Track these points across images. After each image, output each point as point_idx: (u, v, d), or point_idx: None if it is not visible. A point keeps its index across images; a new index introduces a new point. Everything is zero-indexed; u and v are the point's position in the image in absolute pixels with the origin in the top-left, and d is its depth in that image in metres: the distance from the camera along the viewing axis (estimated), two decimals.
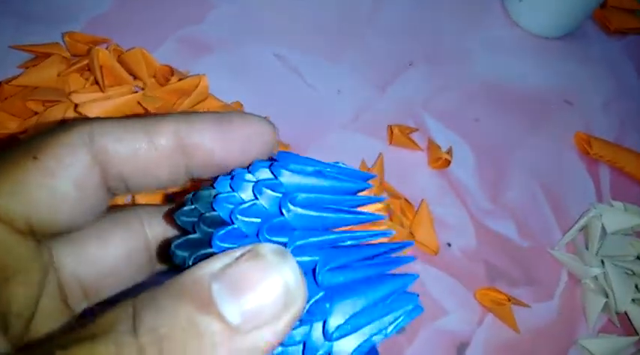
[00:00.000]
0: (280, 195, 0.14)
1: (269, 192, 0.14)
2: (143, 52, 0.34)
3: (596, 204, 0.37)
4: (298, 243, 0.14)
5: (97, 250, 0.17)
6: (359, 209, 0.16)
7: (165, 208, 0.19)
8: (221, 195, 0.15)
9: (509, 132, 0.40)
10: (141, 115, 0.16)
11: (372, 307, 0.14)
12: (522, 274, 0.34)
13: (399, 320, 0.15)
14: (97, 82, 0.32)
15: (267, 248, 0.12)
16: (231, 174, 0.16)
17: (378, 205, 0.17)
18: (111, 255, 0.17)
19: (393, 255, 0.16)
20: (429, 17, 0.44)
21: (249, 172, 0.15)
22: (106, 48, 0.34)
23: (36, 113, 0.32)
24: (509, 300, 0.32)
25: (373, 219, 0.16)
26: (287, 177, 0.15)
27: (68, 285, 0.16)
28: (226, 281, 0.12)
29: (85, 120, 0.15)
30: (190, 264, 0.14)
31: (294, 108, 0.38)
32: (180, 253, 0.15)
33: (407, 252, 0.16)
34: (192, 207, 0.15)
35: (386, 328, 0.15)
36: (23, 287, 0.14)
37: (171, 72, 0.34)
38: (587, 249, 0.35)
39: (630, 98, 0.44)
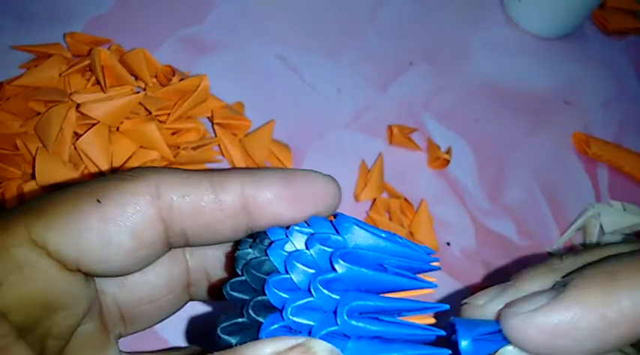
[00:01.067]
0: (331, 250, 0.14)
1: (322, 246, 0.14)
2: (144, 53, 0.34)
3: (594, 204, 0.37)
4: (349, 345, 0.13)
5: (139, 279, 0.17)
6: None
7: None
8: (273, 279, 0.14)
9: (508, 132, 0.40)
10: (208, 170, 0.16)
11: None
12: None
13: None
14: (98, 83, 0.32)
15: (320, 346, 0.12)
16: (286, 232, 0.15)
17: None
18: (151, 282, 0.17)
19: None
20: (429, 17, 0.45)
21: (307, 225, 0.15)
22: (108, 48, 0.35)
23: (38, 113, 0.32)
24: None
25: (428, 288, 0.15)
26: (350, 233, 0.14)
27: (107, 310, 0.16)
28: None
29: (154, 169, 0.15)
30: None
31: (294, 107, 0.38)
32: (226, 338, 0.14)
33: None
34: (243, 278, 0.15)
35: None
36: (66, 320, 0.14)
37: (173, 72, 0.34)
38: (585, 248, 0.36)
39: (629, 98, 0.44)
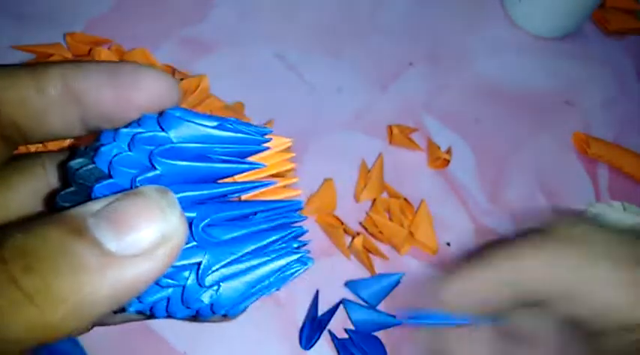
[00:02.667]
0: (152, 148, 0.14)
1: (143, 146, 0.14)
2: (144, 53, 0.34)
3: (594, 204, 0.37)
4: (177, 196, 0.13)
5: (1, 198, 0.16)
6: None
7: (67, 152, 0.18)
8: (103, 148, 0.14)
9: (508, 132, 0.40)
10: (29, 64, 0.16)
11: (253, 256, 0.14)
12: None
13: (286, 273, 0.15)
14: None
15: (147, 187, 0.12)
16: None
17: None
18: (13, 201, 0.17)
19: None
20: (429, 17, 0.45)
21: (138, 124, 0.15)
22: (108, 48, 0.35)
23: None
24: None
25: (255, 168, 0.16)
26: (174, 132, 0.14)
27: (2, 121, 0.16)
28: (104, 217, 0.12)
29: None
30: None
31: (294, 107, 0.38)
32: (64, 204, 0.14)
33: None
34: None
35: (269, 281, 0.15)
36: None
37: (173, 72, 0.34)
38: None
39: (629, 98, 0.44)
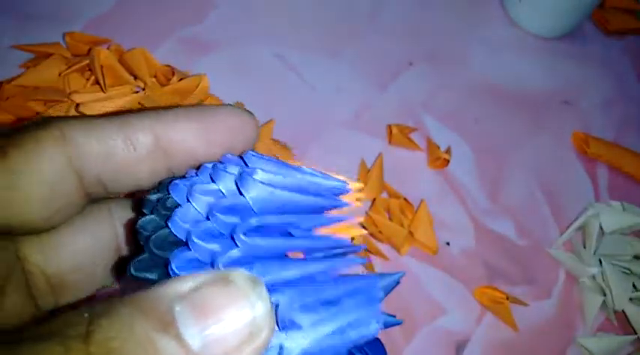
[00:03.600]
0: (236, 221, 0.13)
1: (222, 217, 0.13)
2: (144, 52, 0.34)
3: (593, 204, 0.37)
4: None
5: (63, 244, 0.16)
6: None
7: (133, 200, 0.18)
8: (178, 212, 0.14)
9: (508, 132, 0.40)
10: (117, 113, 0.15)
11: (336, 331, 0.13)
12: (521, 273, 0.35)
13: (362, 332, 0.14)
14: (97, 82, 0.32)
15: (238, 274, 0.12)
16: (197, 171, 0.15)
17: (355, 230, 0.16)
18: (77, 247, 0.16)
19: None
20: (428, 17, 0.45)
21: (213, 180, 0.14)
22: (107, 48, 0.35)
23: (37, 113, 0.32)
24: (508, 299, 0.32)
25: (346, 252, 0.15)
26: (256, 164, 0.14)
27: (35, 280, 0.16)
28: (191, 304, 0.11)
29: (59, 118, 0.14)
30: (151, 243, 0.14)
31: (294, 107, 0.38)
32: (144, 233, 0.14)
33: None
34: (150, 218, 0.14)
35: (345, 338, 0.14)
36: None
37: (172, 72, 0.34)
38: (584, 248, 0.36)
39: (628, 98, 0.44)
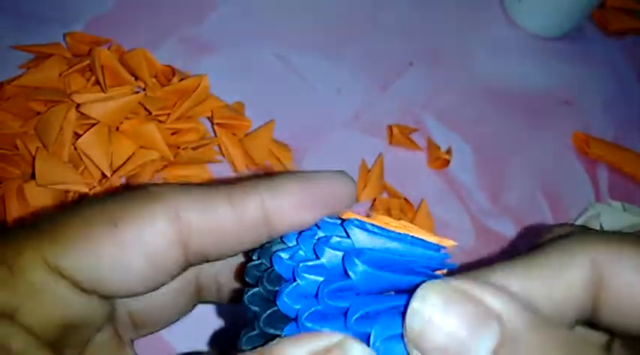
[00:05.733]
0: (342, 253, 0.14)
1: (331, 251, 0.14)
2: (144, 53, 0.34)
3: (594, 204, 0.37)
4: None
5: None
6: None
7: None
8: (282, 252, 0.14)
9: (508, 132, 0.40)
10: (224, 183, 0.15)
11: None
12: None
13: None
14: (98, 83, 0.32)
15: (355, 347, 0.12)
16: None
17: None
18: (163, 290, 0.16)
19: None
20: (429, 17, 0.45)
21: (318, 227, 0.15)
22: (108, 48, 0.35)
23: (38, 113, 0.32)
24: None
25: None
26: (357, 236, 0.14)
27: (121, 319, 0.16)
28: None
29: (171, 187, 0.14)
30: (262, 322, 0.14)
31: (294, 108, 0.38)
32: (252, 308, 0.15)
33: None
34: (259, 261, 0.15)
35: None
36: (83, 335, 0.14)
37: (173, 72, 0.34)
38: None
39: (629, 98, 0.44)
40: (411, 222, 0.34)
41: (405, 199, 0.35)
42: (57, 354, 0.13)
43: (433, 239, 0.15)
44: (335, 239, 0.14)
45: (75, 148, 0.30)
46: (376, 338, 0.13)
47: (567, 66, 0.45)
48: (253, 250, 0.15)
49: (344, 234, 0.15)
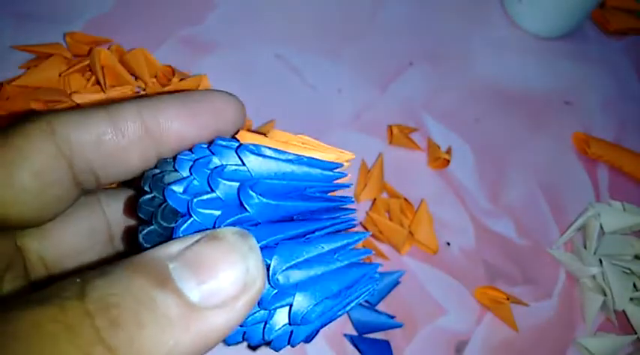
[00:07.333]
0: (238, 184, 0.14)
1: (226, 182, 0.14)
2: (144, 53, 0.34)
3: (594, 204, 0.37)
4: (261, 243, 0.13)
5: (58, 231, 0.16)
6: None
7: (122, 190, 0.18)
8: (175, 185, 0.14)
9: (508, 132, 0.40)
10: (104, 102, 0.15)
11: (335, 294, 0.14)
12: (521, 273, 0.35)
13: (361, 296, 0.15)
14: (98, 82, 0.32)
15: (227, 230, 0.12)
16: (191, 151, 0.15)
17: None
18: (71, 234, 0.17)
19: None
20: (429, 17, 0.45)
21: (212, 153, 0.14)
22: (108, 48, 0.35)
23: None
24: (508, 299, 0.32)
25: (344, 204, 0.16)
26: (252, 162, 0.14)
27: (33, 268, 0.16)
28: (185, 262, 0.11)
29: (47, 111, 0.15)
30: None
31: (294, 107, 0.38)
32: (145, 245, 0.14)
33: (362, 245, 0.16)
34: (152, 195, 0.14)
35: (349, 303, 0.14)
36: None
37: (173, 72, 0.34)
38: (585, 248, 0.36)
39: (629, 98, 0.44)
40: (411, 222, 0.34)
41: (405, 199, 0.35)
42: None
43: (330, 156, 0.15)
44: (229, 167, 0.14)
45: None
46: (276, 269, 0.13)
47: (567, 66, 0.45)
48: (144, 180, 0.15)
49: (238, 161, 0.14)
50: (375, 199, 0.35)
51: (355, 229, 0.16)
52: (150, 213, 0.14)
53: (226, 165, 0.14)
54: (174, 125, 0.15)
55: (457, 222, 0.36)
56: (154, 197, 0.14)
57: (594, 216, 0.36)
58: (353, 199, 0.16)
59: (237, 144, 0.14)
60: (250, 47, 0.40)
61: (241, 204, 0.13)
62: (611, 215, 0.36)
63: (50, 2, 0.39)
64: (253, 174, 0.14)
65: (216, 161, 0.14)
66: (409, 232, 0.33)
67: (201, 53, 0.39)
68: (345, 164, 0.16)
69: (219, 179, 0.14)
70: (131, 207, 0.18)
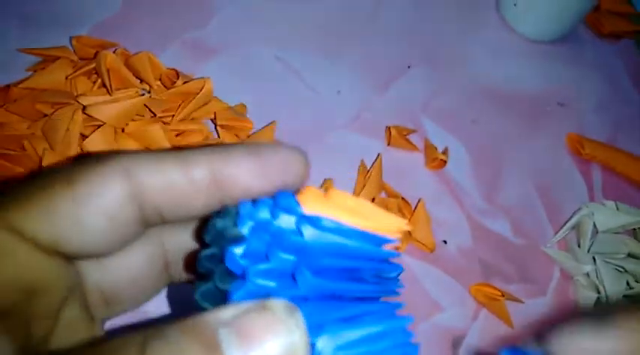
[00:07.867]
0: (294, 258, 0.14)
1: (282, 255, 0.14)
2: (149, 56, 0.34)
3: (588, 203, 0.38)
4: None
5: (117, 262, 0.17)
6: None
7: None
8: (236, 246, 0.14)
9: (503, 133, 0.41)
10: (175, 148, 0.16)
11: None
12: (516, 271, 0.35)
13: None
14: (104, 85, 0.33)
15: (276, 302, 0.13)
16: (254, 202, 0.16)
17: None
18: (130, 264, 0.17)
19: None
20: (426, 21, 0.45)
21: (272, 216, 0.15)
22: (113, 51, 0.35)
23: (45, 115, 0.32)
24: (503, 296, 0.33)
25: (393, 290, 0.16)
26: (310, 236, 0.14)
27: (90, 294, 0.17)
28: (233, 329, 0.12)
29: (121, 152, 0.15)
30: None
31: (295, 108, 0.39)
32: (204, 304, 0.15)
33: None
34: (212, 252, 0.15)
35: None
36: (47, 304, 0.15)
37: (177, 75, 0.35)
38: (579, 246, 0.36)
39: (622, 100, 0.45)
40: (409, 221, 0.35)
41: (403, 199, 0.35)
42: (21, 330, 0.14)
43: (384, 226, 0.16)
44: (288, 237, 0.15)
45: (81, 149, 0.31)
46: (324, 350, 0.14)
47: (562, 68, 0.45)
48: (208, 231, 0.16)
49: (297, 225, 0.15)
50: (373, 199, 0.35)
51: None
52: (207, 270, 0.15)
53: (285, 231, 0.15)
54: (241, 176, 0.16)
55: (454, 221, 0.36)
56: (214, 254, 0.15)
57: (588, 215, 0.37)
58: (399, 253, 0.17)
59: (298, 208, 0.15)
60: (252, 50, 0.41)
61: (294, 278, 0.14)
62: (605, 214, 0.37)
63: (57, 6, 0.39)
64: (309, 248, 0.15)
65: (276, 225, 0.15)
66: (407, 231, 0.34)
67: (205, 56, 0.39)
68: (399, 236, 0.16)
69: (277, 251, 0.14)
70: (198, 236, 0.18)
